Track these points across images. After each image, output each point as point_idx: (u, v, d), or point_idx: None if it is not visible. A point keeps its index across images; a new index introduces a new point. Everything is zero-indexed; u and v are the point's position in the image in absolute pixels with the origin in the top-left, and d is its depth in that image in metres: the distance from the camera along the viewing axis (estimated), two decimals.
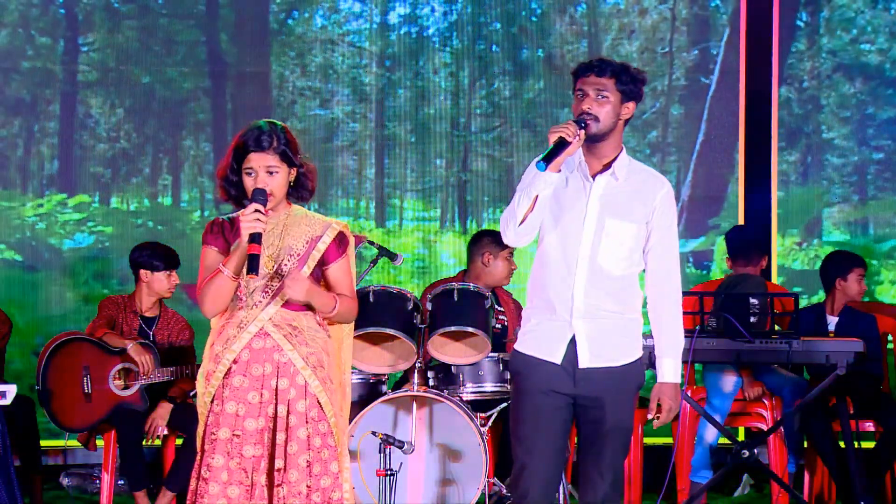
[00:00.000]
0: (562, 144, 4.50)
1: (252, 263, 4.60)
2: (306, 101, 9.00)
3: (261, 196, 4.69)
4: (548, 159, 4.47)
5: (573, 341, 4.68)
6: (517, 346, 4.80)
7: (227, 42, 9.00)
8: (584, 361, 4.67)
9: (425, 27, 9.06)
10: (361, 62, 9.02)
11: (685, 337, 6.24)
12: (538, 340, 4.73)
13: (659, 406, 4.75)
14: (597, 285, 4.67)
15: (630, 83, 4.67)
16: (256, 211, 4.63)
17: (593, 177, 4.70)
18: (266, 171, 4.73)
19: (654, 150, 9.03)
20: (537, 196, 4.56)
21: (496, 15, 9.04)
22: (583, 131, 4.56)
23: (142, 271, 7.18)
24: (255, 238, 4.61)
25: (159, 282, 7.15)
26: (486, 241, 7.43)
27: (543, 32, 9.01)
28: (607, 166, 4.70)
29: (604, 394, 4.68)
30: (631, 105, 4.70)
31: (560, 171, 4.56)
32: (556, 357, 4.68)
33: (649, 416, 4.77)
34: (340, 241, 4.87)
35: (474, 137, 9.01)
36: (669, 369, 4.79)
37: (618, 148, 4.72)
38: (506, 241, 4.71)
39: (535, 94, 8.99)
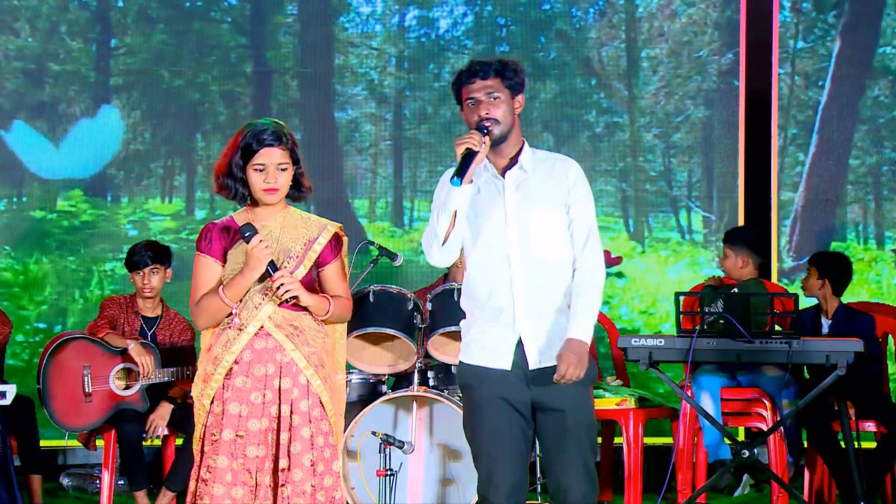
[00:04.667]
0: (470, 155, 4.51)
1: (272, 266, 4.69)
2: (326, 102, 8.99)
3: (251, 230, 4.71)
4: (461, 173, 4.49)
5: (520, 344, 4.64)
6: (462, 358, 4.75)
7: (248, 45, 9.02)
8: (534, 363, 4.63)
9: (443, 29, 9.05)
10: (380, 64, 9.02)
11: (685, 337, 6.34)
12: (484, 349, 4.68)
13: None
14: (536, 279, 4.64)
15: (514, 76, 4.68)
16: (261, 241, 4.67)
17: (502, 174, 4.70)
18: (277, 167, 4.74)
19: (675, 152, 9.03)
20: (456, 212, 4.57)
21: (515, 18, 9.03)
22: (487, 138, 4.56)
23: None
24: (273, 264, 4.69)
25: (134, 282, 7.18)
26: None
27: (572, 36, 9.01)
28: (513, 161, 4.70)
29: (560, 392, 4.63)
30: (520, 98, 4.71)
31: (472, 182, 4.56)
32: (506, 363, 4.64)
33: (555, 377, 4.62)
34: (336, 242, 4.88)
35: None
36: (577, 327, 4.64)
37: (519, 142, 4.73)
38: (432, 262, 4.70)
39: (554, 95, 8.98)
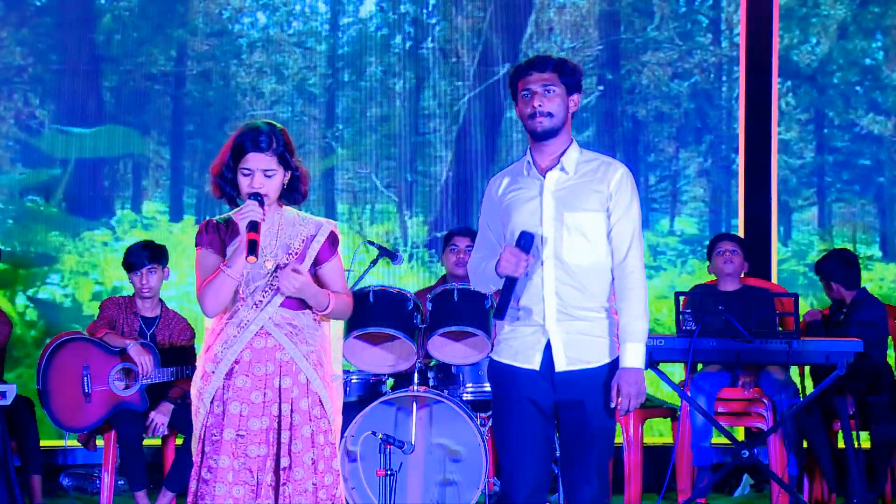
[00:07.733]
0: (509, 285, 4.63)
1: (251, 247, 4.62)
2: (252, 101, 8.95)
3: (258, 196, 4.71)
4: (499, 312, 4.62)
5: (548, 346, 4.64)
6: (493, 356, 4.78)
7: (176, 40, 8.96)
8: (560, 365, 4.62)
9: (373, 28, 9.02)
10: (309, 63, 8.97)
11: (685, 337, 6.34)
12: (514, 348, 4.69)
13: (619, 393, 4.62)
14: (566, 283, 4.62)
15: (571, 74, 4.68)
16: (252, 207, 4.67)
17: (543, 174, 4.69)
18: (263, 173, 4.74)
19: (682, 154, 9.04)
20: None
21: (442, 16, 9.00)
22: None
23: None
24: (253, 226, 4.64)
25: (132, 283, 7.18)
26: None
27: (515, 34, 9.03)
28: (556, 161, 4.69)
29: (584, 397, 4.63)
30: (576, 97, 4.71)
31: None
32: (534, 363, 4.64)
33: (611, 405, 4.62)
34: (332, 240, 4.90)
35: (421, 139, 8.98)
36: (628, 354, 4.63)
37: (567, 141, 4.71)
38: (472, 287, 4.92)
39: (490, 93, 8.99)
